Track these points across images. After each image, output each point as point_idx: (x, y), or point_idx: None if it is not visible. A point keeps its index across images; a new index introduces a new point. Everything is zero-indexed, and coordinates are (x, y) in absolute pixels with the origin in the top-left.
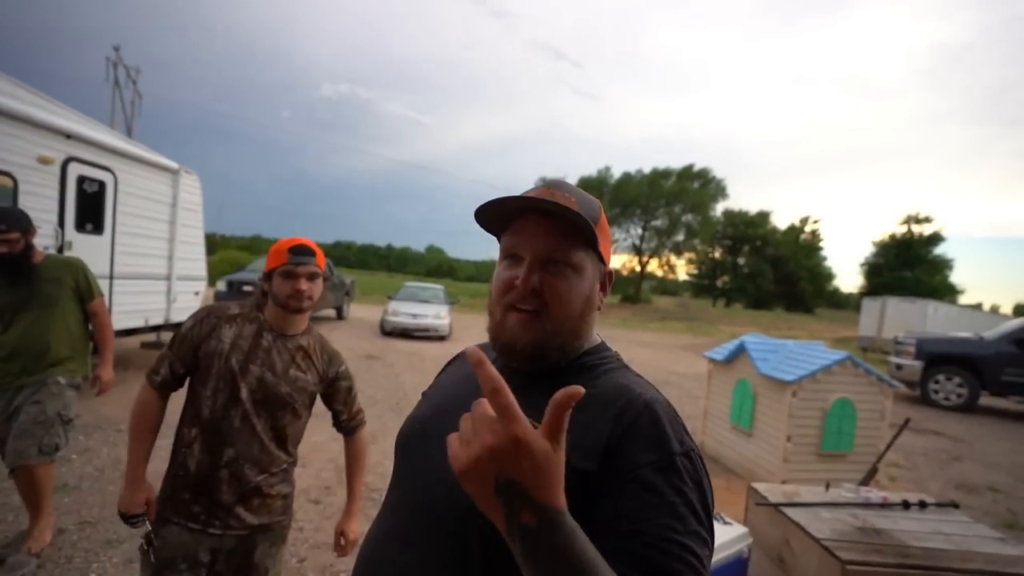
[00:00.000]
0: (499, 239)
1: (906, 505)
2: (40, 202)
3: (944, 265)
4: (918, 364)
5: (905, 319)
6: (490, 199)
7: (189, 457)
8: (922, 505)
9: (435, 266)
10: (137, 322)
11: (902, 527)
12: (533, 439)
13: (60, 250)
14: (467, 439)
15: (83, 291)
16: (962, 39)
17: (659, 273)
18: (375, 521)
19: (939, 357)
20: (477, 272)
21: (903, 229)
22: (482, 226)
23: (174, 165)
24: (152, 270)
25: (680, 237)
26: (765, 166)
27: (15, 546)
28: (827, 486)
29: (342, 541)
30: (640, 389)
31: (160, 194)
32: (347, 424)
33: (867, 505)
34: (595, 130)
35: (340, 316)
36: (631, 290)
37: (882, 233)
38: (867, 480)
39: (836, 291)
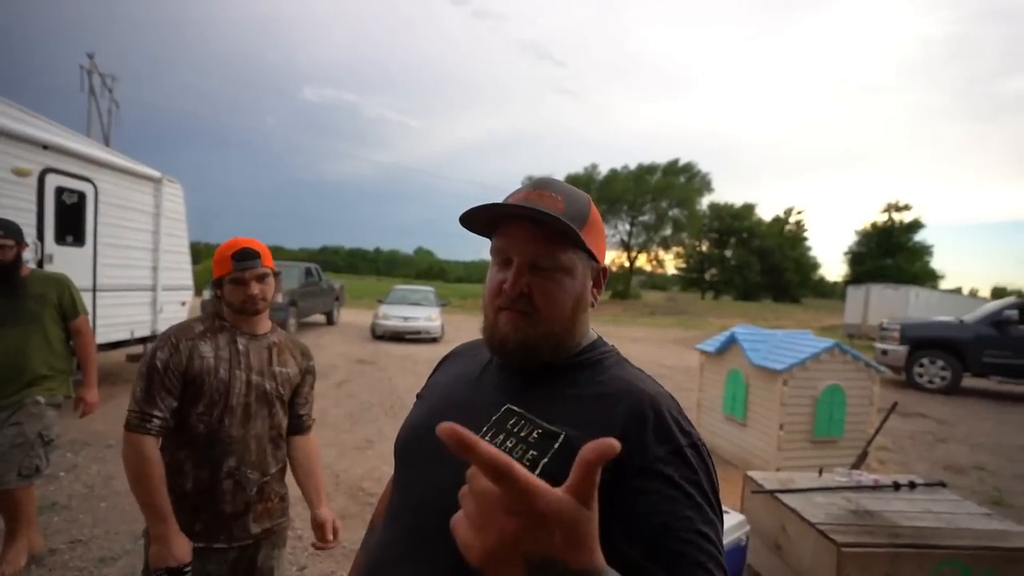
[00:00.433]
0: (490, 239)
1: (896, 486)
2: (18, 215)
3: (924, 252)
4: (903, 349)
5: (889, 305)
6: (473, 206)
7: (182, 478)
8: (911, 486)
9: (425, 268)
10: (123, 335)
11: (893, 508)
12: (562, 509)
13: (40, 263)
14: (478, 523)
15: (67, 308)
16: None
17: (647, 268)
18: (380, 525)
19: (922, 341)
20: (467, 273)
21: (884, 217)
22: (470, 230)
23: (156, 174)
24: (137, 281)
25: (667, 232)
26: (749, 160)
27: None
28: (820, 471)
29: (329, 535)
30: (643, 384)
31: (142, 204)
32: (305, 419)
33: (859, 488)
34: (581, 128)
35: (330, 321)
36: (620, 286)
37: (864, 222)
38: (858, 464)
39: (821, 280)
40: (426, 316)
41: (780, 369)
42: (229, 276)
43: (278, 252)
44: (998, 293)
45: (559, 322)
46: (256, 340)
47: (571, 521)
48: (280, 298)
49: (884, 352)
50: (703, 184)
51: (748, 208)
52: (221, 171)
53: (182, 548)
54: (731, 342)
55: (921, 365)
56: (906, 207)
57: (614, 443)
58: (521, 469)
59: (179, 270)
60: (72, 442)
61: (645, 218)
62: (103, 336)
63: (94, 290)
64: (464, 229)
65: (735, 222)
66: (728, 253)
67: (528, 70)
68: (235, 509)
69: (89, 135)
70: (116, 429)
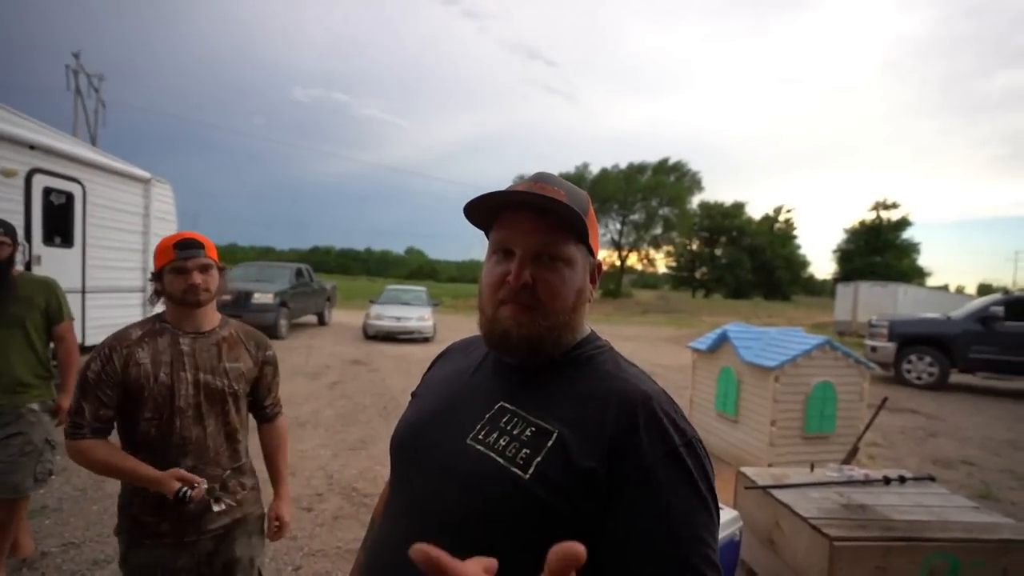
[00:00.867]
0: (486, 233)
1: (887, 481)
2: (5, 216)
3: (912, 249)
4: (892, 345)
5: (877, 303)
6: (480, 194)
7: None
8: (902, 480)
9: (416, 268)
10: None
11: (884, 502)
12: None
13: (28, 265)
14: None
15: (53, 313)
16: (925, 31)
17: (639, 267)
18: (378, 526)
19: (911, 338)
20: (459, 273)
21: (872, 215)
22: (471, 222)
23: (145, 174)
24: (126, 283)
25: (658, 230)
26: (738, 160)
27: None
28: (812, 467)
29: (276, 525)
30: (637, 382)
31: (131, 204)
32: (269, 410)
33: (851, 483)
34: (572, 128)
35: (322, 322)
36: (612, 285)
37: (853, 220)
38: (849, 459)
39: (811, 278)
40: (418, 316)
41: (772, 366)
42: (170, 265)
43: (268, 253)
44: (984, 290)
45: (562, 315)
46: (202, 338)
47: None
48: (228, 296)
49: (873, 349)
50: (693, 183)
51: (738, 207)
52: (209, 172)
53: (168, 482)
54: (723, 340)
55: (910, 361)
56: (894, 205)
57: (581, 552)
58: None
59: None
60: (62, 444)
61: (636, 217)
62: (92, 338)
63: (83, 292)
64: (457, 228)
65: (725, 220)
66: (719, 251)
67: (518, 70)
68: (198, 507)
69: (76, 135)
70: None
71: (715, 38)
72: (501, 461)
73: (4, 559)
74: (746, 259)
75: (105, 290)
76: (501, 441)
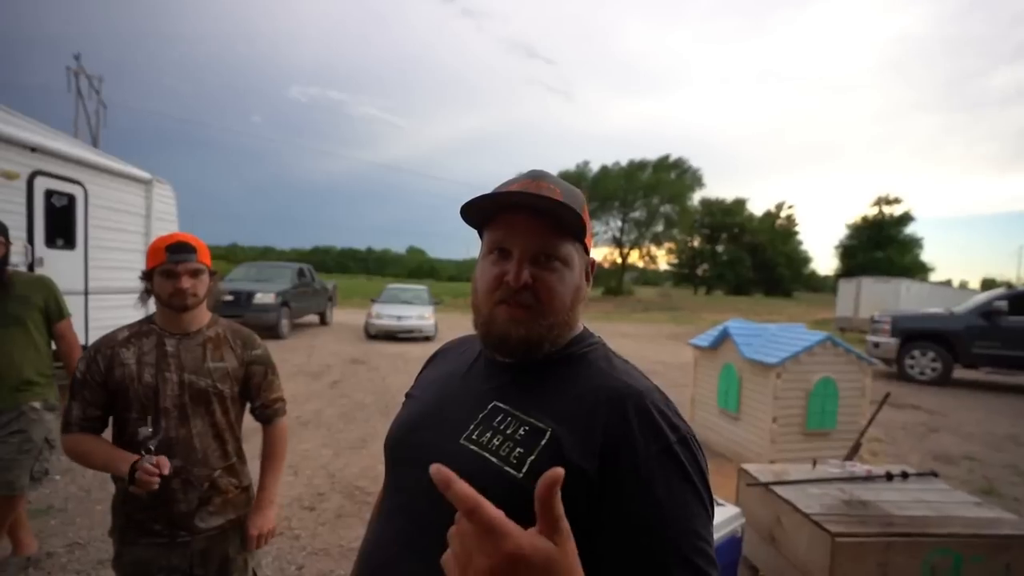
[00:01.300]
0: (480, 233)
1: (889, 477)
2: (7, 218)
3: (914, 244)
4: (894, 341)
5: (880, 298)
6: (479, 195)
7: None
8: (904, 476)
9: (416, 267)
10: None
11: (886, 498)
12: (530, 550)
13: (31, 267)
14: (461, 562)
15: (51, 311)
16: (926, 29)
17: (640, 264)
18: (373, 526)
19: (913, 333)
20: (459, 271)
21: (874, 211)
22: (467, 223)
23: (146, 175)
24: (128, 283)
25: (659, 228)
26: (739, 157)
27: None
28: (814, 463)
29: (251, 544)
30: (629, 379)
31: (133, 205)
32: (260, 412)
33: (852, 479)
34: (572, 125)
35: (323, 322)
36: (613, 282)
37: (855, 216)
38: (851, 455)
39: (813, 274)
40: (419, 315)
41: (773, 363)
42: (161, 267)
43: (269, 253)
44: (987, 284)
45: (561, 314)
46: (188, 338)
47: (541, 561)
48: (221, 297)
49: (876, 344)
50: (694, 180)
51: (739, 203)
52: (210, 172)
53: (123, 461)
54: (724, 337)
55: (912, 357)
56: (896, 200)
57: (559, 471)
58: (490, 509)
59: None
60: None
61: (637, 214)
62: (96, 339)
63: (86, 293)
64: (457, 227)
65: (726, 217)
66: (720, 248)
67: (517, 68)
68: (189, 507)
69: (77, 137)
70: (106, 431)
71: (715, 35)
72: (495, 460)
73: None
74: (747, 256)
75: (107, 291)
76: (495, 441)
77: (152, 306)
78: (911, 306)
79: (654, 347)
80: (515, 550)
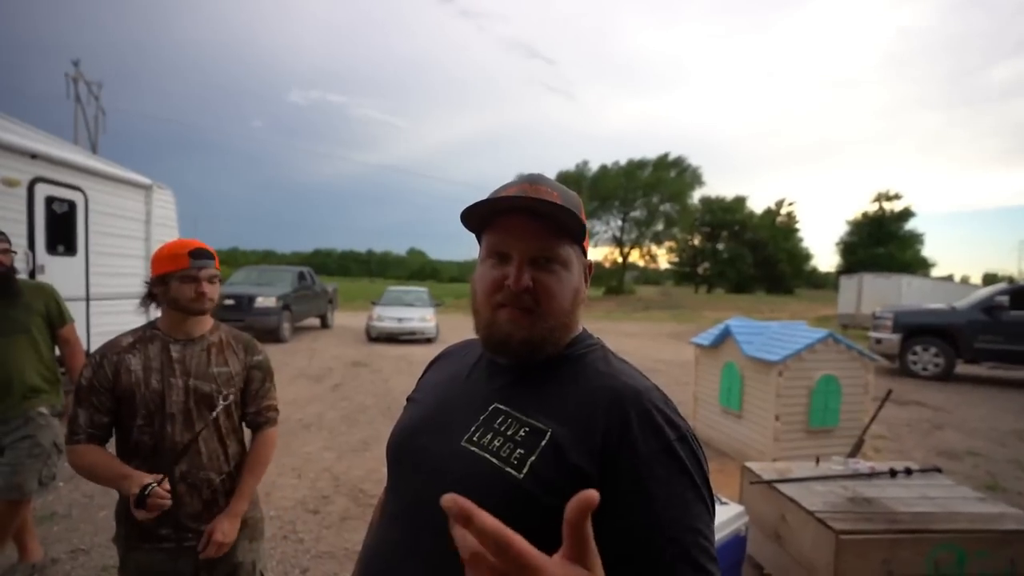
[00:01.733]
0: (478, 236)
1: (893, 473)
2: (8, 226)
3: (915, 240)
4: (896, 337)
5: (881, 294)
6: (478, 200)
7: None
8: (908, 472)
9: (417, 269)
10: None
11: (890, 494)
12: None
13: (32, 274)
14: None
15: (54, 317)
16: (925, 24)
17: (641, 263)
18: (375, 530)
19: (916, 329)
20: (460, 273)
21: (875, 207)
22: (467, 227)
23: (146, 181)
24: (130, 289)
25: (659, 226)
26: (739, 154)
27: None
28: (817, 461)
29: (207, 547)
30: (628, 379)
31: (133, 211)
32: (252, 418)
33: (856, 476)
34: (571, 125)
35: (325, 325)
36: (614, 282)
37: (855, 212)
38: (855, 452)
39: (814, 271)
40: (420, 317)
41: (775, 360)
42: (182, 272)
43: (270, 257)
44: (989, 279)
45: (561, 317)
46: (192, 344)
47: None
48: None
49: (878, 341)
50: (694, 178)
51: (739, 201)
52: (210, 176)
53: (141, 477)
54: (725, 335)
55: (915, 353)
56: (896, 196)
57: (593, 493)
58: (521, 543)
59: None
60: None
61: (637, 213)
62: (98, 345)
63: (87, 299)
64: (458, 228)
65: (727, 215)
66: (720, 246)
67: (517, 68)
68: (195, 509)
69: (76, 143)
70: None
71: (714, 33)
72: (495, 461)
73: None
74: (748, 253)
75: (109, 297)
76: (495, 442)
77: (152, 311)
78: (913, 302)
79: (656, 346)
80: None
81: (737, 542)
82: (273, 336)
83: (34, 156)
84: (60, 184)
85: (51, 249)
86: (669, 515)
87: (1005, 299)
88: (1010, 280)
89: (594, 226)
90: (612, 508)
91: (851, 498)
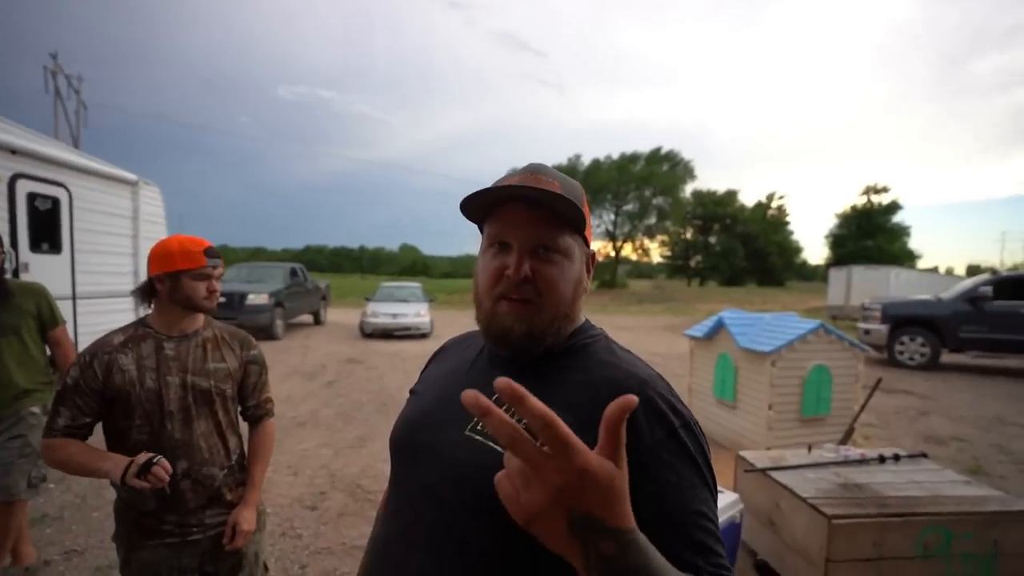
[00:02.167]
0: (480, 227)
1: (882, 459)
2: None
3: (902, 232)
4: (884, 328)
5: (870, 286)
6: (477, 189)
7: (141, 490)
8: (896, 458)
9: (409, 265)
10: None
11: (880, 479)
12: (598, 467)
13: (16, 273)
14: (525, 480)
15: (45, 319)
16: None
17: (633, 257)
18: (379, 523)
19: (903, 319)
20: (453, 268)
21: (863, 200)
22: (467, 217)
23: (132, 177)
24: (117, 287)
25: (652, 220)
26: (730, 148)
27: None
28: (809, 448)
29: (228, 538)
30: (633, 368)
31: (119, 208)
32: (253, 412)
33: (847, 463)
34: (563, 119)
35: (318, 321)
36: (607, 275)
37: (844, 205)
38: (845, 440)
39: (804, 263)
40: (415, 312)
41: (768, 351)
42: (198, 271)
43: (260, 254)
44: (973, 270)
45: (562, 307)
46: (186, 340)
47: (606, 479)
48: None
49: (867, 331)
50: (686, 172)
51: (731, 194)
52: (197, 173)
53: (124, 459)
54: (719, 327)
55: (902, 343)
56: (884, 189)
57: (632, 398)
58: (563, 424)
59: None
60: None
61: (629, 207)
62: (85, 344)
63: (73, 298)
64: (449, 224)
65: (718, 208)
66: (712, 239)
67: (507, 61)
68: (198, 503)
69: (57, 138)
70: (100, 438)
71: (706, 26)
72: (500, 450)
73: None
74: (740, 246)
75: (96, 296)
76: None
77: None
78: (900, 293)
79: (651, 339)
80: (585, 465)
81: (732, 529)
82: (266, 333)
83: (14, 152)
84: (42, 180)
85: (35, 247)
86: (676, 501)
87: (988, 290)
88: (992, 271)
89: None
90: None
91: (842, 484)
